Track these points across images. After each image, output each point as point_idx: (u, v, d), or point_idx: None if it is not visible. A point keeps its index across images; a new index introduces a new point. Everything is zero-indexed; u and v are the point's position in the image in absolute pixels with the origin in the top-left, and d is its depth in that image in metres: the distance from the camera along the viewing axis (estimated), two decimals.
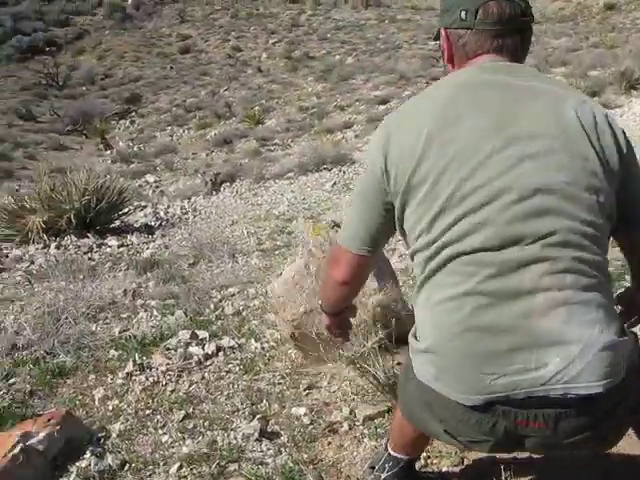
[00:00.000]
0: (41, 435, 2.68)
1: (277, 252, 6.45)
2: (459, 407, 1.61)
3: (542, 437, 1.59)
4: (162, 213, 10.34)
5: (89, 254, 7.45)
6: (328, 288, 1.99)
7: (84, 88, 34.58)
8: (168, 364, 3.49)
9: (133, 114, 28.07)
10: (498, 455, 2.37)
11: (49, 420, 2.80)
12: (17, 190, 15.45)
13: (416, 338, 1.73)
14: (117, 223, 9.24)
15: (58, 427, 2.75)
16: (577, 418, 1.55)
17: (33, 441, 2.64)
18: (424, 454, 2.50)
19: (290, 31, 39.81)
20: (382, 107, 20.44)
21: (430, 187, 1.59)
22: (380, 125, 1.76)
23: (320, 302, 2.11)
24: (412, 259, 1.70)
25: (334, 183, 10.92)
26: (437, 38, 1.99)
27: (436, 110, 1.64)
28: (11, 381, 3.52)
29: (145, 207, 11.14)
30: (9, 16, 46.57)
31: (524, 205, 1.53)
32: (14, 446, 2.56)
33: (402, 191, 1.64)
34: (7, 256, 7.94)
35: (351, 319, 2.18)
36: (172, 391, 3.27)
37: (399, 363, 3.05)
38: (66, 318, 4.26)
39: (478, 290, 1.55)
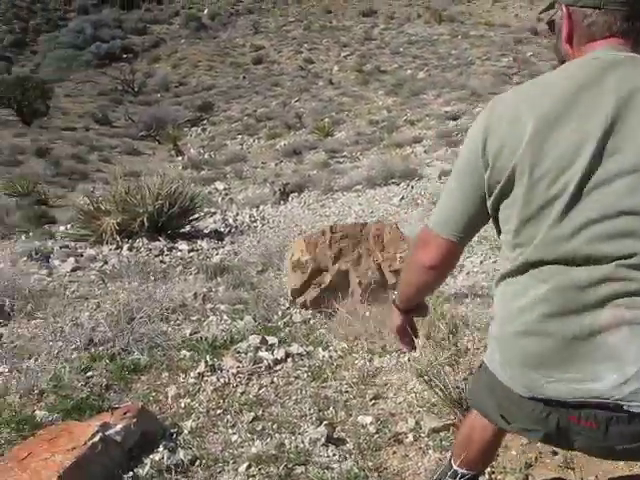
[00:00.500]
0: (118, 427, 2.81)
1: None
2: (516, 395, 1.67)
3: (592, 438, 1.61)
4: (231, 220, 10.53)
5: (160, 257, 7.66)
6: (412, 273, 1.92)
7: (158, 95, 35.46)
8: (238, 367, 3.60)
9: (205, 122, 28.66)
10: (564, 475, 2.38)
11: (125, 413, 2.92)
12: (92, 192, 15.95)
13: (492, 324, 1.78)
14: (187, 228, 9.46)
15: (134, 420, 2.87)
16: (629, 425, 1.56)
17: (111, 432, 2.77)
18: (488, 469, 2.52)
19: (362, 44, 39.98)
20: (452, 123, 20.35)
21: (526, 189, 1.58)
22: (486, 107, 1.69)
23: (394, 296, 2.08)
24: (500, 248, 1.74)
25: (402, 197, 10.94)
26: (549, 8, 1.87)
27: (546, 105, 1.58)
28: (89, 374, 3.68)
29: (214, 214, 11.37)
30: (89, 24, 48.15)
31: (606, 225, 1.54)
32: (93, 435, 2.69)
33: (498, 184, 1.63)
34: (82, 255, 8.23)
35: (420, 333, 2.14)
36: (242, 393, 3.37)
37: (465, 379, 3.07)
38: (140, 317, 4.41)
39: (549, 298, 1.58)
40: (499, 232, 1.72)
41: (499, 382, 1.72)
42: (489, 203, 1.67)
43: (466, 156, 1.69)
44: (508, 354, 1.67)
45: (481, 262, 6.34)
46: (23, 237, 11.34)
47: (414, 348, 2.18)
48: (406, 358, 3.54)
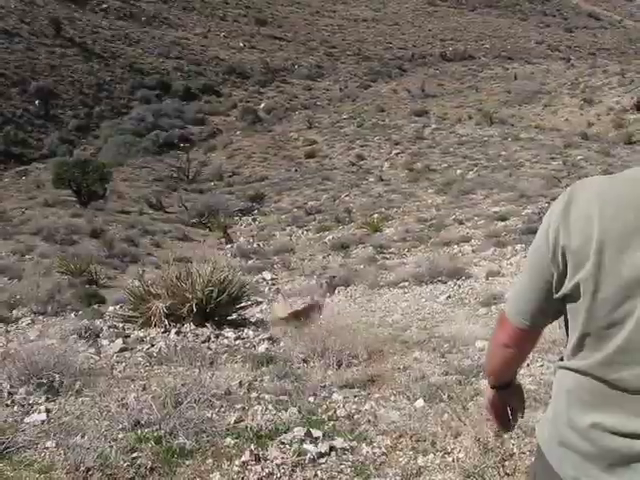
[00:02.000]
0: None
1: (390, 360, 6.52)
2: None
3: None
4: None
5: (207, 343, 7.74)
6: (492, 348, 1.98)
7: (212, 184, 36.43)
8: (283, 458, 3.62)
9: (255, 212, 29.26)
10: None
11: None
12: (141, 275, 16.27)
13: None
14: (234, 316, 9.56)
15: None
16: None
17: None
18: None
19: (414, 143, 40.72)
20: (501, 223, 20.40)
21: (589, 306, 1.60)
22: (562, 199, 1.69)
23: (486, 371, 2.10)
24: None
25: (449, 296, 10.94)
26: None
27: (620, 216, 1.56)
28: (134, 455, 3.74)
29: (261, 303, 11.48)
30: (151, 112, 50.09)
31: None
32: None
33: (563, 288, 1.65)
34: (129, 336, 8.35)
35: (518, 414, 2.12)
36: None
37: None
38: (187, 402, 4.48)
39: (598, 422, 1.63)
40: (567, 328, 1.74)
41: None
42: (556, 298, 1.70)
43: (536, 248, 1.72)
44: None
45: (528, 365, 6.28)
46: (73, 315, 11.60)
47: (509, 428, 2.16)
48: (451, 459, 3.52)
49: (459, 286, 11.96)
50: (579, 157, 32.85)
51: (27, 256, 19.78)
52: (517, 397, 2.11)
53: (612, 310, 1.57)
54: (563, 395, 1.74)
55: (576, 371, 1.69)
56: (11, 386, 5.35)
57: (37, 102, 47.21)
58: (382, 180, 32.68)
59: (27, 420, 4.58)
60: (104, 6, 67.35)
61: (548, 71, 58.69)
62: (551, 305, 1.73)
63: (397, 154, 38.75)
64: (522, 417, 2.16)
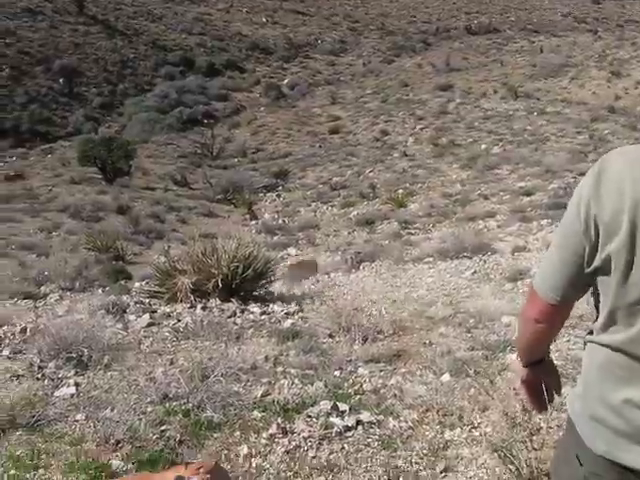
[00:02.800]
0: None
1: (415, 335, 6.52)
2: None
3: None
4: (302, 286, 10.65)
5: (232, 318, 7.79)
6: (522, 324, 1.95)
7: (236, 160, 36.46)
8: (310, 431, 3.64)
9: (280, 188, 29.26)
10: None
11: (199, 469, 2.99)
12: (167, 250, 16.39)
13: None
14: (259, 291, 9.60)
15: (207, 476, 2.93)
16: None
17: None
18: None
19: (438, 118, 40.38)
20: (527, 199, 20.23)
21: (619, 282, 1.59)
22: (593, 171, 1.67)
23: (517, 349, 2.07)
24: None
25: (474, 272, 10.88)
26: None
27: None
28: (163, 428, 3.78)
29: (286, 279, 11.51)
30: (174, 89, 50.10)
31: None
32: None
33: (594, 261, 1.64)
34: (156, 311, 8.42)
35: (554, 392, 2.09)
36: (313, 457, 3.40)
37: (537, 458, 3.04)
38: (214, 376, 4.51)
39: (630, 398, 1.62)
40: (596, 303, 1.73)
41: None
42: (587, 272, 1.68)
43: (568, 221, 1.70)
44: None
45: (554, 340, 6.25)
46: (100, 291, 11.71)
47: (544, 408, 2.11)
48: (478, 433, 3.52)
49: (484, 261, 11.90)
50: (606, 131, 32.39)
51: (54, 233, 20.00)
52: (551, 374, 2.08)
53: None
54: (594, 370, 1.72)
55: (607, 346, 1.67)
56: (41, 360, 5.43)
57: (61, 80, 47.42)
58: (406, 155, 32.50)
59: (57, 394, 4.65)
60: None
61: (575, 44, 57.72)
62: (582, 279, 1.70)
63: (421, 129, 38.47)
64: (559, 395, 2.13)
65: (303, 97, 51.35)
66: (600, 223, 1.60)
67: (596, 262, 1.64)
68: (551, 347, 5.45)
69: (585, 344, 1.80)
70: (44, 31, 51.39)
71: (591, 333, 1.77)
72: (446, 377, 4.77)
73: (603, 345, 1.69)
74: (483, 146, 32.33)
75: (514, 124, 36.62)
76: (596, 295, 1.72)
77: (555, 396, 2.10)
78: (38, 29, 51.28)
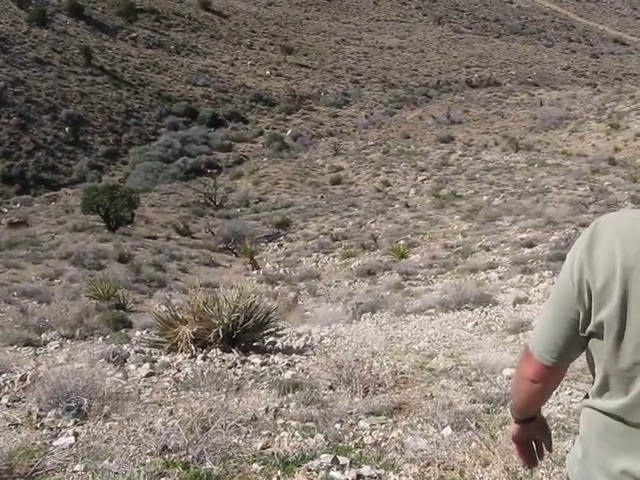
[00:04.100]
0: None
1: (416, 388, 6.49)
2: None
3: None
4: (303, 337, 10.61)
5: (233, 369, 7.75)
6: (517, 382, 1.96)
7: (238, 210, 36.69)
8: None
9: (282, 238, 29.37)
10: None
11: None
12: (168, 300, 16.37)
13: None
14: (260, 342, 9.57)
15: None
16: None
17: None
18: None
19: (439, 169, 40.71)
20: (528, 250, 20.26)
21: (612, 347, 1.60)
22: (585, 236, 1.68)
23: (510, 404, 2.08)
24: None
25: (476, 323, 10.86)
26: None
27: (639, 257, 1.56)
28: None
29: (287, 329, 11.48)
30: (178, 139, 50.69)
31: None
32: None
33: (588, 326, 1.64)
34: (156, 361, 8.39)
35: (545, 449, 2.08)
36: None
37: None
38: (215, 428, 4.49)
39: (628, 468, 1.62)
40: (591, 366, 1.74)
41: None
42: (582, 336, 1.69)
43: (561, 286, 1.71)
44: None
45: (556, 393, 6.21)
46: (101, 339, 11.68)
47: (534, 463, 2.10)
48: None
49: (486, 313, 11.88)
50: (606, 183, 32.62)
51: (56, 280, 20.03)
52: (542, 431, 2.07)
53: (635, 351, 1.57)
54: (593, 437, 1.72)
55: (603, 412, 1.68)
56: (40, 409, 5.40)
57: (67, 129, 48.00)
58: (408, 206, 32.68)
59: (55, 443, 4.62)
60: (133, 35, 68.47)
61: (574, 97, 58.54)
62: (577, 342, 1.72)
63: (423, 180, 38.77)
64: (549, 451, 2.12)
65: (306, 148, 51.89)
66: (592, 290, 1.61)
67: (590, 327, 1.65)
68: (552, 400, 5.44)
69: (582, 408, 1.80)
70: (52, 81, 52.20)
71: (587, 397, 1.78)
72: (447, 431, 4.73)
73: (599, 411, 1.69)
74: (484, 197, 32.52)
75: (515, 176, 36.90)
76: (590, 358, 1.72)
77: (546, 452, 2.10)
78: (46, 79, 52.10)
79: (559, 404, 5.68)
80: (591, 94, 59.07)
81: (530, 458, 2.07)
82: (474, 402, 5.64)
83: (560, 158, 41.21)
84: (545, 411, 5.50)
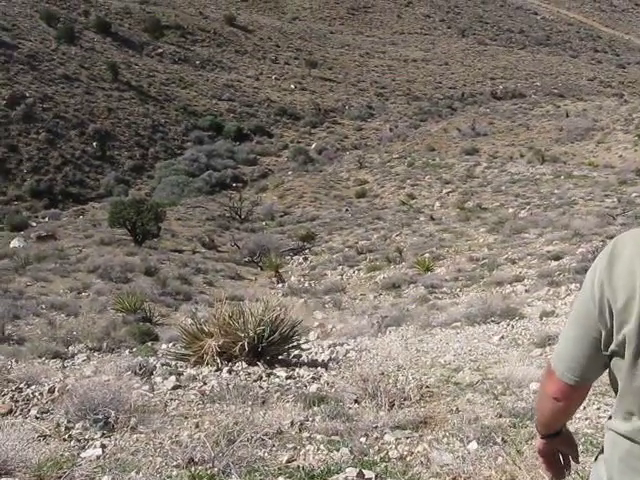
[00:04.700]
0: None
1: (442, 402, 6.47)
2: None
3: None
4: (328, 350, 10.62)
5: (258, 382, 7.78)
6: (541, 399, 1.96)
7: (264, 223, 36.81)
8: None
9: (307, 251, 29.41)
10: None
11: None
12: (194, 312, 16.48)
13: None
14: (285, 355, 9.59)
15: None
16: None
17: None
18: None
19: (464, 182, 40.56)
20: (554, 263, 20.09)
21: (630, 365, 1.60)
22: (605, 254, 1.68)
23: (535, 419, 2.07)
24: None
25: (502, 337, 10.79)
26: None
27: None
28: None
29: (312, 342, 11.49)
30: (204, 153, 51.06)
31: None
32: None
33: (610, 344, 1.64)
34: (182, 374, 8.44)
35: (572, 461, 2.07)
36: None
37: None
38: (240, 440, 4.51)
39: None
40: (614, 385, 1.73)
41: None
42: (605, 354, 1.69)
43: (582, 304, 1.71)
44: None
45: (584, 408, 6.16)
46: (127, 352, 11.77)
47: (562, 477, 2.08)
48: None
49: (512, 326, 11.79)
50: (634, 194, 32.26)
51: (84, 293, 20.24)
52: (568, 444, 2.06)
53: None
54: (615, 462, 1.70)
55: (624, 437, 1.66)
56: (68, 421, 5.46)
57: (95, 144, 48.58)
58: (433, 219, 32.59)
59: (83, 455, 4.67)
60: (159, 51, 69.19)
61: (600, 108, 58.06)
62: (599, 361, 1.71)
63: (448, 193, 38.64)
64: (577, 463, 2.11)
65: (330, 161, 51.97)
66: (614, 308, 1.60)
67: (612, 346, 1.64)
68: (580, 415, 5.38)
69: (606, 430, 1.79)
70: (80, 97, 52.88)
71: (611, 418, 1.76)
72: (473, 445, 4.71)
73: (620, 434, 1.68)
74: (510, 210, 32.32)
75: (541, 188, 36.64)
76: (613, 378, 1.71)
77: (574, 464, 2.09)
78: (74, 95, 52.80)
79: (587, 419, 5.63)
80: (618, 105, 58.57)
81: (557, 471, 2.06)
82: (500, 416, 5.61)
83: (587, 170, 40.85)
84: (572, 426, 5.46)
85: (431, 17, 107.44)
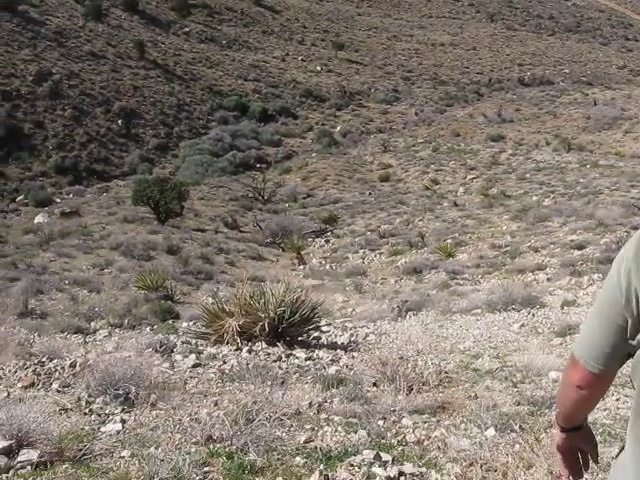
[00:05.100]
0: None
1: (461, 388, 6.46)
2: None
3: None
4: (347, 333, 10.64)
5: (278, 362, 7.81)
6: (563, 388, 1.94)
7: (286, 205, 36.83)
8: (352, 479, 3.63)
9: (329, 234, 29.42)
10: None
11: None
12: (215, 292, 16.56)
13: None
14: (305, 336, 9.62)
15: None
16: None
17: None
18: None
19: (489, 168, 40.29)
20: (577, 252, 19.95)
21: None
22: (632, 243, 1.68)
23: (556, 412, 2.05)
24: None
25: (522, 325, 10.74)
26: None
27: None
28: (206, 469, 3.81)
29: (332, 325, 11.52)
30: (228, 133, 51.06)
31: None
32: None
33: (638, 333, 1.63)
34: (202, 352, 8.50)
35: (590, 460, 2.04)
36: None
37: None
38: (259, 420, 4.54)
39: None
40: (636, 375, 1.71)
41: None
42: (631, 344, 1.67)
43: (608, 292, 1.70)
44: None
45: (603, 398, 6.13)
46: (148, 329, 11.87)
47: (579, 475, 2.04)
48: None
49: (533, 315, 11.74)
50: None
51: (106, 270, 20.40)
52: (588, 441, 2.03)
53: None
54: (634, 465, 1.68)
55: None
56: (89, 395, 5.53)
57: (120, 121, 48.78)
58: (456, 205, 32.43)
59: (103, 429, 4.73)
60: (186, 30, 69.17)
61: (629, 97, 57.26)
62: (624, 349, 1.70)
63: (472, 179, 38.41)
64: (596, 463, 2.08)
65: (355, 144, 51.81)
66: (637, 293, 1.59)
67: (638, 334, 1.63)
68: (599, 405, 5.35)
69: (628, 433, 1.75)
70: (106, 74, 53.05)
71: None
72: (491, 432, 4.71)
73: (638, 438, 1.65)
74: (534, 198, 32.08)
75: (566, 176, 36.31)
76: (635, 368, 1.69)
77: (591, 463, 2.05)
78: (100, 72, 52.97)
79: (605, 409, 5.61)
80: None
81: (575, 469, 2.02)
82: (519, 404, 5.60)
83: (613, 159, 40.37)
84: (591, 416, 5.43)
85: (460, 1, 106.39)
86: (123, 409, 5.26)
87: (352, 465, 3.88)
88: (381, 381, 6.64)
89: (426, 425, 5.09)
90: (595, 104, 55.37)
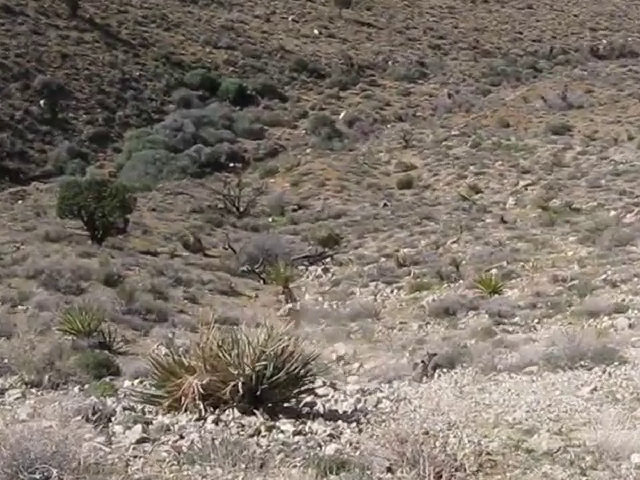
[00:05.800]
0: None
1: (509, 475, 6.46)
2: None
3: None
4: (354, 397, 10.63)
5: (256, 438, 7.81)
6: None
7: (270, 219, 36.89)
8: None
9: (328, 260, 29.41)
10: None
11: None
12: (170, 339, 16.53)
13: None
14: (293, 402, 9.61)
15: None
16: None
17: None
18: None
19: (550, 172, 40.49)
20: None
21: None
22: None
23: None
24: None
25: (594, 388, 10.76)
26: None
27: None
28: None
29: (331, 386, 11.50)
30: (191, 120, 51.07)
31: None
32: None
33: None
34: (151, 423, 8.49)
35: None
36: None
37: None
38: None
39: None
40: None
41: None
42: None
43: None
44: None
45: None
46: (77, 389, 11.83)
47: None
48: None
49: (610, 375, 11.76)
50: None
51: (20, 307, 20.33)
52: None
53: None
54: None
55: None
56: None
57: (42, 102, 49.01)
58: (504, 222, 32.54)
59: None
60: None
61: None
62: None
63: (526, 186, 38.55)
64: None
65: (365, 137, 52.06)
66: None
67: None
68: None
69: None
70: (24, 37, 53.35)
71: None
72: None
73: None
74: (612, 213, 32.19)
75: None
76: None
77: None
78: (17, 34, 53.25)
79: None
80: None
81: None
82: None
83: None
84: None
85: None
86: None
87: None
88: (398, 465, 6.64)
89: None
90: None
